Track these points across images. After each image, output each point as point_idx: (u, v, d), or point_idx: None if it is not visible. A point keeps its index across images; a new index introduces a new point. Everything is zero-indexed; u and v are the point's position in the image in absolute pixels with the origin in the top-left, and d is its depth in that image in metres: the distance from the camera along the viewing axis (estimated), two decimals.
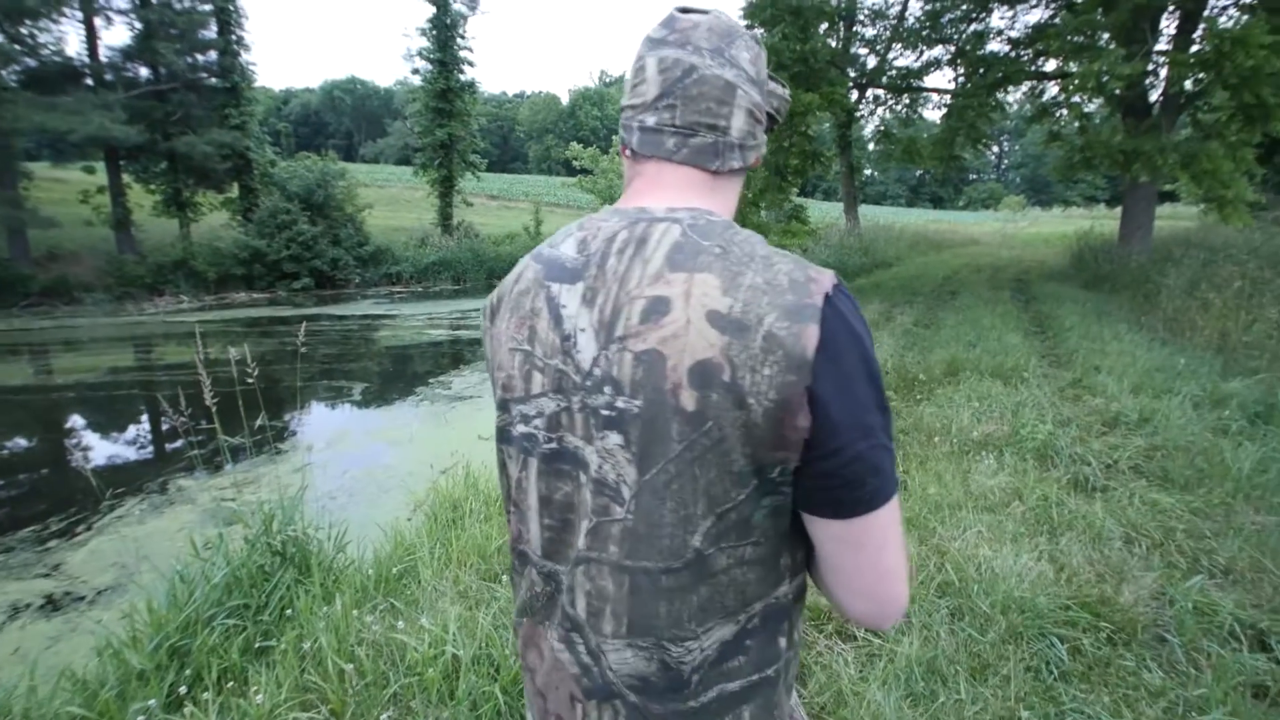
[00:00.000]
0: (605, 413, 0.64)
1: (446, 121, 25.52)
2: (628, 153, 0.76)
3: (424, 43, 25.56)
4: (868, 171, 58.23)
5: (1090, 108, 11.00)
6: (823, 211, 30.59)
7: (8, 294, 16.70)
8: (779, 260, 0.63)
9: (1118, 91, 9.18)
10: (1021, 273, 14.48)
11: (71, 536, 4.26)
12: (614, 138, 28.96)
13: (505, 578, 2.72)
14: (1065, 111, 11.41)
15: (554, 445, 0.68)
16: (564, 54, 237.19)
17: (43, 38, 19.14)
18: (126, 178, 20.78)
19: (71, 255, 18.94)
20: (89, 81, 20.12)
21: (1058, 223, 40.85)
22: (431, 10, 25.09)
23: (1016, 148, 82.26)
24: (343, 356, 10.94)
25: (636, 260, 0.65)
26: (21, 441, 7.01)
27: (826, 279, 0.62)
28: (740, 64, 0.71)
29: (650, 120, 0.72)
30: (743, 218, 11.04)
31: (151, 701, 2.04)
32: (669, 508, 0.62)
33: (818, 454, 0.60)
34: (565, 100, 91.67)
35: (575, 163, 27.48)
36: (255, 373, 2.91)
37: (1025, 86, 12.88)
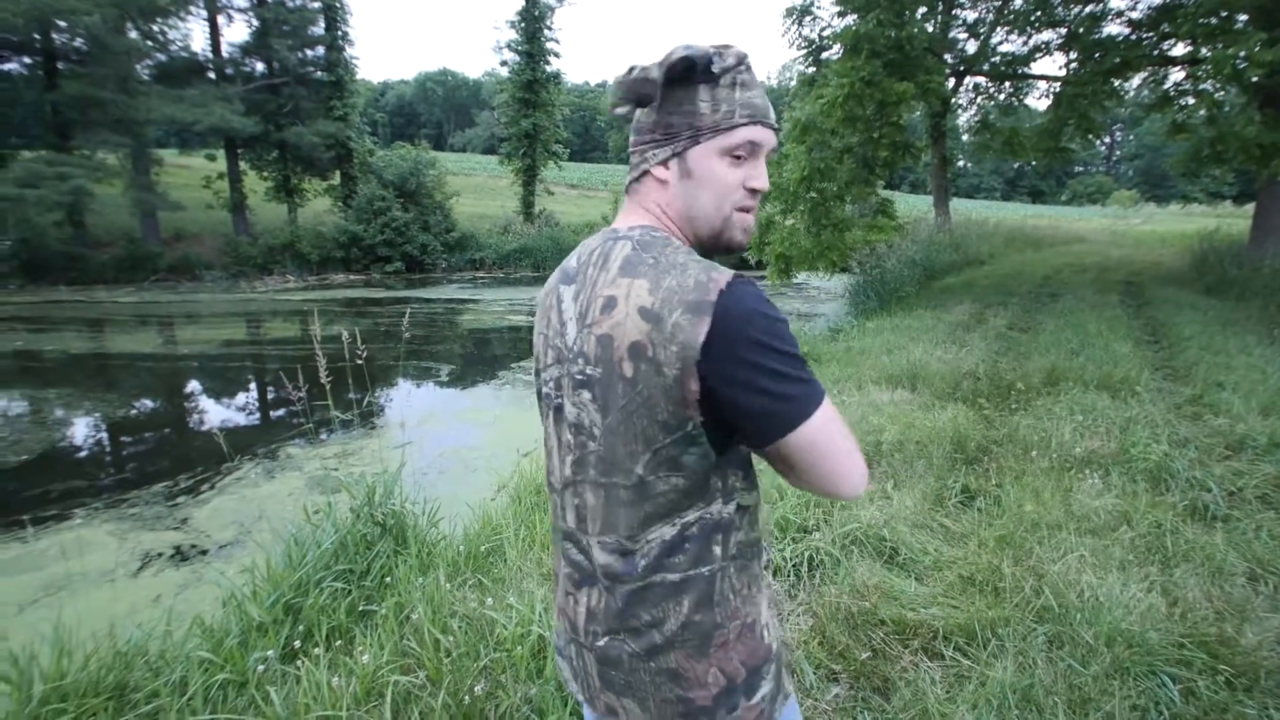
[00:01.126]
0: (579, 377, 0.89)
1: (532, 112, 26.09)
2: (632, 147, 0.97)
3: (512, 35, 26.17)
4: (961, 163, 55.28)
5: (1222, 96, 9.98)
6: (910, 205, 29.34)
7: (140, 270, 18.46)
8: (691, 266, 0.83)
9: (1255, 79, 8.29)
10: (1133, 274, 13.40)
11: (196, 494, 4.70)
12: None
13: None
14: (1193, 100, 10.43)
15: (559, 401, 0.93)
16: (647, 42, 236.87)
17: (172, 34, 20.91)
18: (243, 165, 22.48)
19: (194, 236, 20.70)
20: (211, 75, 21.86)
21: (1176, 220, 37.46)
22: (521, 3, 25.62)
23: (1130, 138, 75.77)
24: (430, 338, 11.46)
25: (603, 269, 0.88)
26: (149, 403, 7.76)
27: (723, 278, 0.81)
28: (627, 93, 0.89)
29: (645, 139, 0.93)
30: (827, 211, 10.74)
31: (270, 652, 2.24)
32: (621, 443, 0.85)
33: (718, 405, 0.81)
34: None
35: None
36: (364, 354, 3.10)
37: (1145, 72, 11.83)
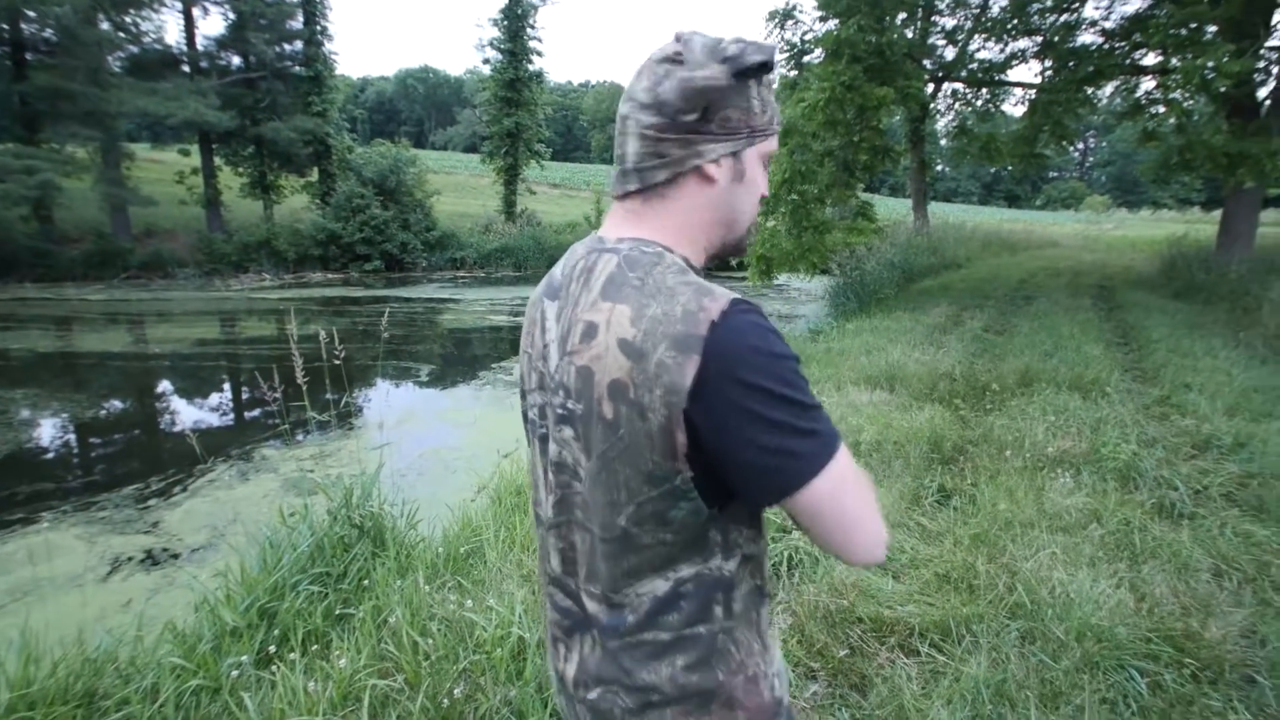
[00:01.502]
0: (560, 411, 0.78)
1: (514, 111, 25.97)
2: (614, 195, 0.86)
3: (495, 33, 26.03)
4: (939, 167, 56.06)
5: (1191, 105, 10.25)
6: (889, 208, 29.67)
7: (109, 267, 18.04)
8: (681, 291, 0.70)
9: (1223, 89, 8.53)
10: (1105, 279, 13.70)
11: (168, 496, 4.61)
12: None
13: None
14: (1163, 109, 10.69)
15: (544, 430, 0.83)
16: (629, 43, 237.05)
17: (145, 26, 20.47)
18: (217, 160, 22.07)
19: (167, 232, 20.27)
20: (186, 69, 21.44)
21: (1146, 225, 38.39)
22: (504, 1, 25.49)
23: (1103, 145, 77.43)
24: (409, 338, 11.35)
25: (585, 288, 0.76)
26: (119, 404, 7.59)
27: (717, 306, 0.68)
28: (636, 96, 0.76)
29: (627, 169, 0.80)
30: (808, 213, 10.84)
31: (244, 657, 2.21)
32: (601, 492, 0.75)
33: (708, 458, 0.70)
34: None
35: None
36: (342, 353, 3.07)
37: (1118, 81, 12.11)
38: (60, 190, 17.34)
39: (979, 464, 3.87)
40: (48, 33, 17.97)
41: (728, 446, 0.67)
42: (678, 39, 0.77)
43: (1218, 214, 12.10)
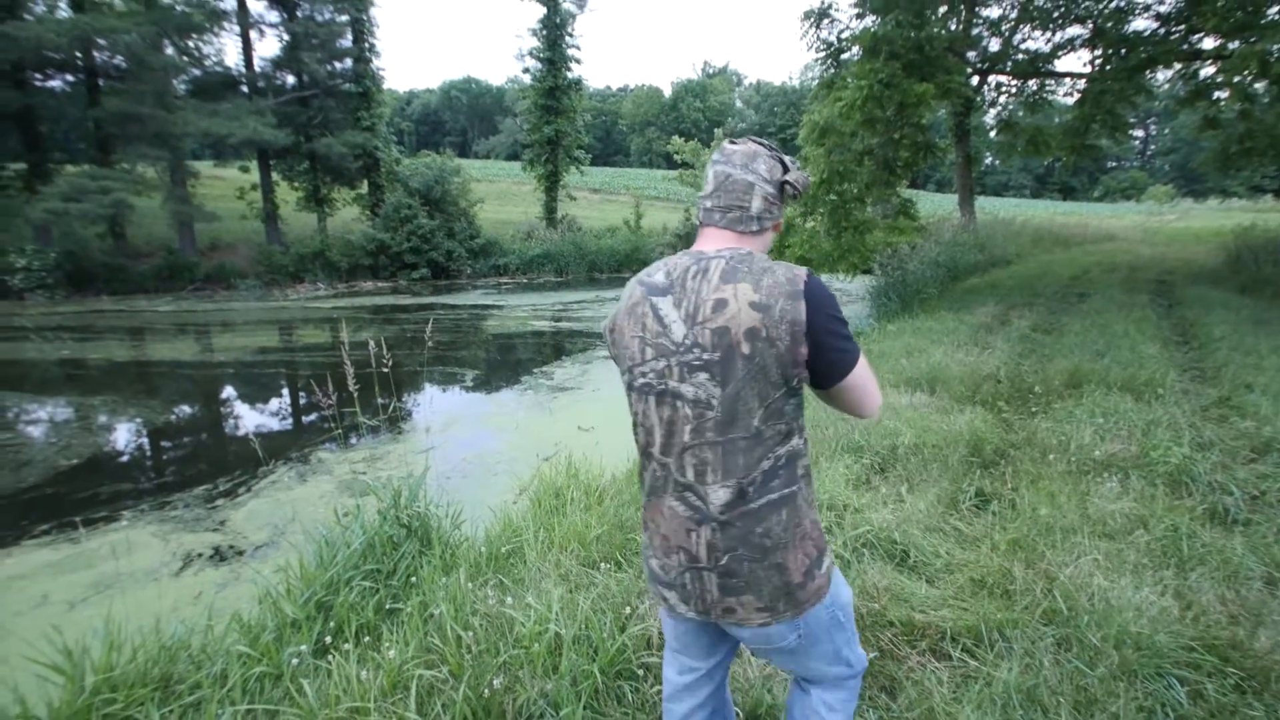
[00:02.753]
0: (695, 363, 1.20)
1: (554, 118, 26.36)
2: (699, 223, 1.36)
3: (534, 42, 26.48)
4: (988, 160, 54.30)
5: (1256, 89, 9.72)
6: (934, 205, 28.96)
7: (177, 279, 19.08)
8: (777, 268, 1.21)
9: None
10: (1164, 273, 13.10)
11: (234, 497, 4.90)
12: (717, 130, 28.76)
13: (604, 565, 2.89)
14: (1225, 94, 10.16)
15: (662, 387, 1.24)
16: (667, 46, 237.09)
17: (206, 49, 21.58)
18: (275, 176, 23.09)
19: (229, 246, 21.33)
20: (244, 89, 22.49)
21: (1213, 216, 36.36)
22: (542, 11, 25.92)
23: (1166, 132, 73.62)
24: (454, 344, 11.68)
25: (704, 280, 1.22)
26: (188, 409, 8.06)
27: (802, 274, 1.21)
28: (758, 172, 1.29)
29: (708, 204, 1.32)
30: (847, 213, 10.72)
31: (303, 647, 2.37)
32: (740, 405, 1.18)
33: (815, 361, 1.20)
34: (668, 93, 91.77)
35: (676, 156, 27.58)
36: (389, 361, 3.23)
37: (1176, 67, 11.56)
38: (132, 208, 18.46)
39: (1020, 468, 3.80)
40: (118, 59, 19.14)
41: (823, 348, 1.19)
42: (769, 149, 1.33)
43: None
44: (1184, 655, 2.17)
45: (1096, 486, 3.52)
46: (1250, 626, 2.33)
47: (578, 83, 27.48)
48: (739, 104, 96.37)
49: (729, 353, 1.16)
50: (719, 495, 1.21)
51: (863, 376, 1.25)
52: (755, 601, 1.24)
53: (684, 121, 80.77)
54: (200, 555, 4.05)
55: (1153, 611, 2.40)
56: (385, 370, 3.26)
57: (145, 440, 6.70)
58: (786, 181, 1.32)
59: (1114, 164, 75.35)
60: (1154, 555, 2.85)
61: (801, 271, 1.20)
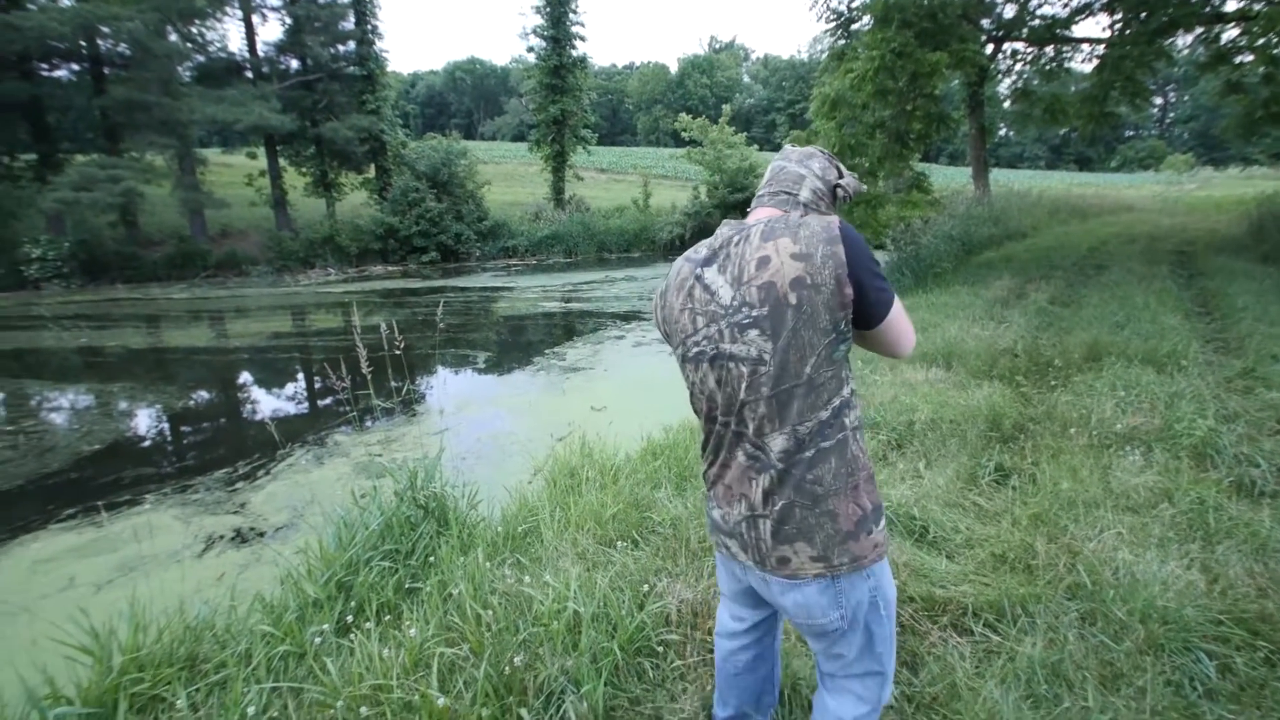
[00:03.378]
0: (745, 321, 1.27)
1: (559, 97, 26.08)
2: (750, 211, 1.46)
3: (538, 20, 26.11)
4: (1002, 131, 53.21)
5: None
6: (948, 178, 28.48)
7: (190, 267, 19.20)
8: (811, 220, 1.28)
9: None
10: (1185, 243, 12.83)
11: (253, 480, 4.95)
12: (724, 107, 28.30)
13: (621, 544, 2.89)
14: (1250, 58, 9.84)
15: (714, 351, 1.32)
16: (672, 21, 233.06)
17: (210, 35, 21.46)
18: (282, 161, 23.05)
19: (240, 233, 21.40)
20: (249, 74, 22.39)
21: (1235, 184, 35.52)
22: None
23: (1185, 99, 71.62)
24: (465, 326, 11.69)
25: (746, 244, 1.30)
26: (205, 394, 8.14)
27: (835, 220, 1.28)
28: (811, 169, 1.43)
29: (761, 192, 1.45)
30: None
31: (325, 626, 2.39)
32: (792, 355, 1.24)
33: (859, 302, 1.25)
34: (674, 70, 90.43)
35: (684, 134, 27.22)
36: (402, 344, 3.22)
37: (1198, 31, 11.18)
38: (142, 196, 18.52)
39: (1040, 442, 3.75)
40: (122, 47, 19.07)
41: (865, 289, 1.24)
42: (826, 155, 1.48)
43: None
44: (1211, 629, 2.14)
45: (1119, 460, 3.47)
46: (1277, 599, 2.29)
47: (582, 60, 27.11)
48: (746, 79, 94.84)
49: (777, 306, 1.23)
50: (777, 443, 1.27)
51: (900, 315, 1.32)
52: (808, 549, 1.28)
53: (691, 98, 79.69)
54: (221, 537, 4.10)
55: (1179, 585, 2.37)
56: (398, 353, 3.25)
57: (165, 425, 6.77)
58: (839, 185, 1.43)
59: (1131, 133, 73.57)
60: (1179, 529, 2.81)
61: (834, 218, 1.27)
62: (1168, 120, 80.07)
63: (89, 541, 4.15)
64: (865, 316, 1.27)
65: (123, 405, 7.44)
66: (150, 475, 5.20)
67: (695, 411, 1.44)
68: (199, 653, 2.33)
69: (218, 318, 13.67)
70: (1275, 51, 8.93)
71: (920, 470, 3.50)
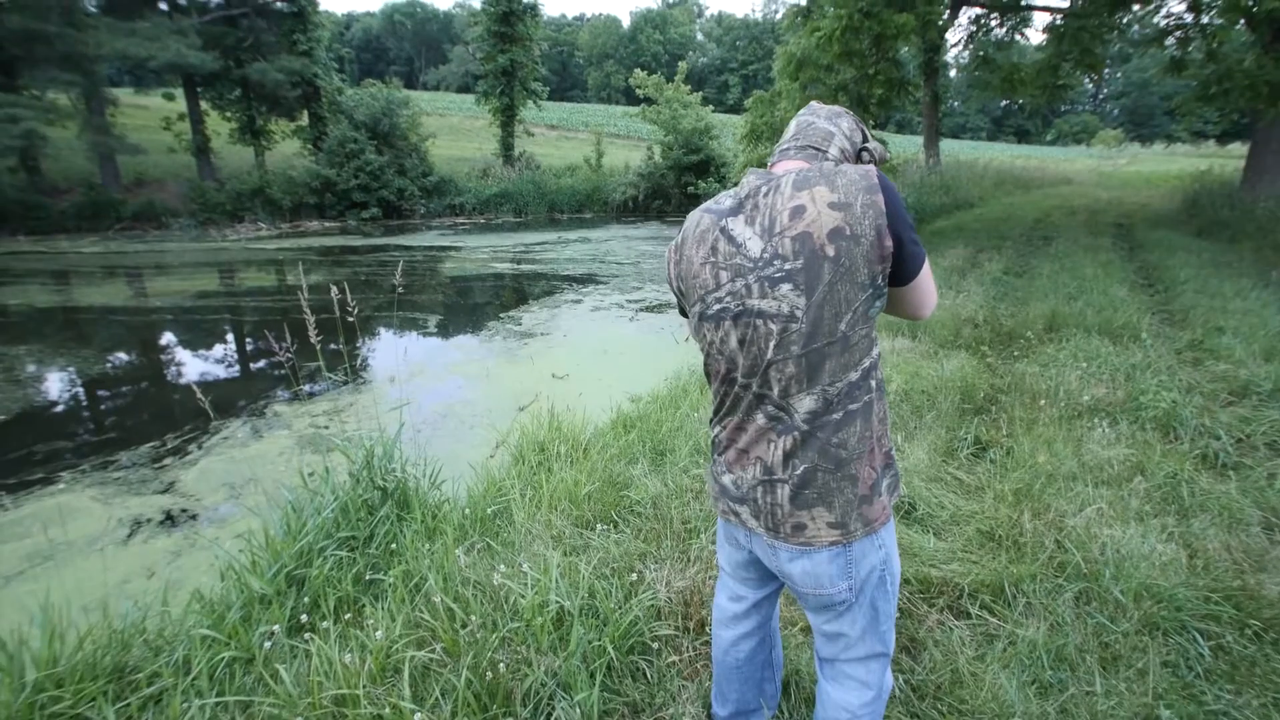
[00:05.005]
0: (776, 275, 1.17)
1: (509, 47, 24.82)
2: (769, 168, 1.34)
3: None
4: (950, 102, 54.10)
5: (1227, 31, 9.64)
6: (896, 146, 28.76)
7: (102, 218, 17.61)
8: (846, 169, 1.18)
9: (1268, 10, 7.98)
10: (1123, 216, 13.33)
11: (183, 455, 4.53)
12: (680, 64, 27.58)
13: (600, 526, 2.72)
14: (1199, 37, 10.08)
15: (740, 308, 1.22)
16: None
17: None
18: (204, 105, 21.23)
19: (157, 182, 19.72)
20: (164, 6, 20.35)
21: (1160, 161, 37.30)
22: None
23: (1118, 76, 74.32)
24: (411, 287, 11.13)
25: (776, 194, 1.20)
26: (125, 358, 7.47)
27: (872, 170, 1.18)
28: (840, 127, 1.34)
29: (785, 146, 1.35)
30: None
31: (276, 627, 2.15)
32: (827, 311, 1.16)
33: (896, 255, 1.17)
34: (626, 24, 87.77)
35: (639, 91, 26.42)
36: (356, 309, 2.91)
37: (1152, 5, 11.39)
38: (45, 139, 16.73)
39: (1013, 414, 3.76)
40: None
41: (903, 242, 1.16)
42: (854, 116, 1.39)
43: (1234, 147, 11.61)
44: (1202, 607, 2.14)
45: (1088, 432, 3.51)
46: (1256, 574, 2.32)
47: (534, 8, 25.77)
48: (700, 37, 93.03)
49: (813, 258, 1.14)
50: (805, 404, 1.20)
51: (929, 273, 1.26)
52: (827, 515, 1.23)
53: (644, 54, 77.73)
54: (149, 521, 3.73)
55: (1162, 560, 2.37)
56: (351, 319, 2.93)
57: (80, 393, 6.17)
58: (865, 148, 1.34)
59: (1066, 108, 76.09)
60: (1155, 502, 2.84)
61: (871, 168, 1.18)
62: (1100, 96, 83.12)
63: None
64: (900, 272, 1.19)
65: (30, 370, 6.75)
66: (65, 450, 4.71)
67: (709, 373, 1.35)
68: (128, 662, 2.06)
69: (135, 274, 12.60)
70: (1224, 31, 9.16)
71: (900, 444, 3.44)
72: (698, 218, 1.30)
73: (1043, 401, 3.87)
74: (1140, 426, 3.54)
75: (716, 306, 1.24)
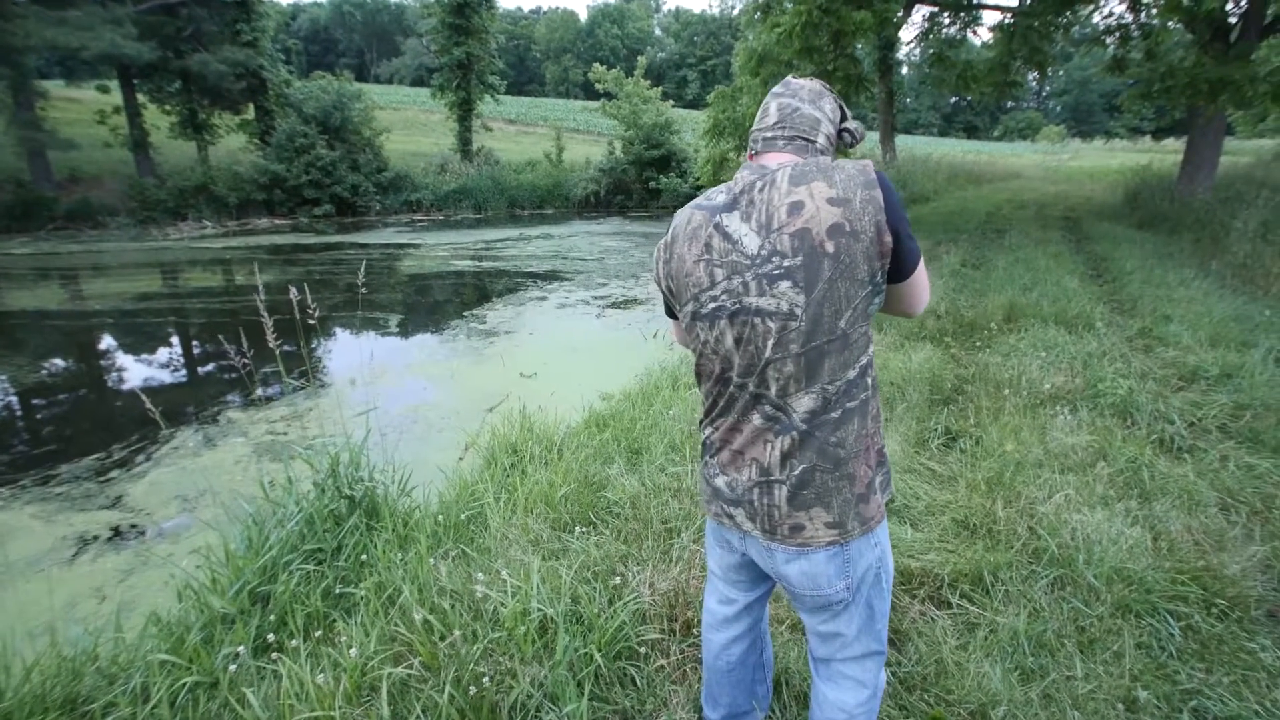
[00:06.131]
0: (775, 272, 1.15)
1: (464, 39, 24.34)
2: (752, 155, 1.30)
3: None
4: (904, 99, 55.25)
5: (1167, 31, 10.06)
6: None
7: (33, 217, 16.64)
8: (843, 164, 1.17)
9: (1208, 11, 8.33)
10: (1069, 210, 13.82)
11: (130, 467, 4.29)
12: (639, 59, 27.49)
13: (579, 528, 2.67)
14: (1139, 37, 10.49)
15: (735, 306, 1.19)
16: None
17: None
18: (141, 98, 20.23)
19: (93, 178, 18.72)
20: None
21: (1100, 155, 38.84)
22: None
23: (1060, 74, 77.18)
24: (371, 285, 10.82)
25: (772, 189, 1.17)
26: (62, 365, 7.07)
27: (870, 165, 1.17)
28: (824, 110, 1.28)
29: (769, 134, 1.28)
30: None
31: (241, 648, 2.03)
32: (826, 309, 1.14)
33: (894, 251, 1.15)
34: (584, 18, 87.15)
35: (598, 86, 26.23)
36: (316, 311, 2.78)
37: (1090, 5, 11.80)
38: None
39: (979, 404, 3.83)
40: None
41: (900, 237, 1.15)
42: (832, 92, 1.33)
43: (1168, 143, 12.16)
44: (1170, 589, 2.21)
45: (1051, 420, 3.60)
46: (1216, 554, 2.41)
47: (488, 0, 25.35)
48: (658, 32, 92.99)
49: (812, 255, 1.12)
50: (803, 403, 1.18)
51: (924, 270, 1.24)
52: (825, 515, 1.22)
53: (601, 49, 77.30)
54: (96, 538, 3.51)
55: (1129, 543, 2.44)
56: (312, 320, 2.80)
57: (13, 403, 5.80)
58: (845, 129, 1.31)
59: (1012, 105, 78.66)
60: (1119, 487, 2.93)
61: (869, 163, 1.16)
62: (1044, 94, 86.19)
63: None
64: (897, 269, 1.18)
65: None
66: (1, 464, 4.41)
67: (701, 374, 1.31)
68: (80, 693, 1.92)
69: (71, 276, 11.94)
70: (1160, 31, 9.54)
71: None
72: (688, 214, 1.26)
73: (1006, 391, 3.96)
74: (1099, 413, 3.66)
75: (711, 305, 1.21)
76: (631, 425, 3.74)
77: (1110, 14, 11.64)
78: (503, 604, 2.08)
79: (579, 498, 2.92)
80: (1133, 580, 2.21)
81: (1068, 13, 10.79)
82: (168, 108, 20.75)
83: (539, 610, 2.03)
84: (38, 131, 17.15)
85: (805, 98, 1.28)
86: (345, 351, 7.42)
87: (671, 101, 27.21)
